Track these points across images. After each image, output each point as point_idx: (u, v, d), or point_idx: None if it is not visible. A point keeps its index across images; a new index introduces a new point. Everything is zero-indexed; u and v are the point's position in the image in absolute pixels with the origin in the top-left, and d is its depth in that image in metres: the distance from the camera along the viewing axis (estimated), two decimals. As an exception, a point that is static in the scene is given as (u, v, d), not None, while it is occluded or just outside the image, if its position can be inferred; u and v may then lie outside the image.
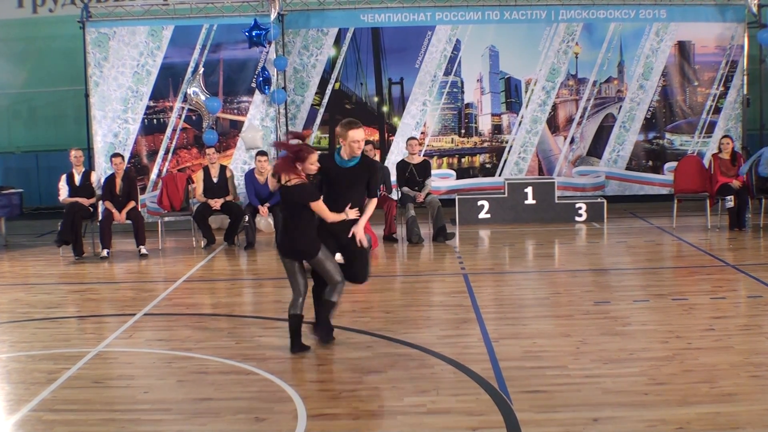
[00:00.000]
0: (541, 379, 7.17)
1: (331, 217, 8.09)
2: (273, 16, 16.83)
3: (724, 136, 16.02)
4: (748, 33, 18.16)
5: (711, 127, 18.37)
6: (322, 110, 18.13)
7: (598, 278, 11.68)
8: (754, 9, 17.76)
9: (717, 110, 18.38)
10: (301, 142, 8.01)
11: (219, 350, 8.26)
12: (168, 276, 12.51)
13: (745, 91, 18.30)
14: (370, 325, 8.79)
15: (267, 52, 16.97)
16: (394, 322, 9.15)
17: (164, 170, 17.06)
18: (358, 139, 8.12)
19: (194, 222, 15.01)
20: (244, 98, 17.22)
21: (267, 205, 14.53)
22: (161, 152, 17.16)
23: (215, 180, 15.05)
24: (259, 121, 17.04)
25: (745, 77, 18.28)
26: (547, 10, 18.06)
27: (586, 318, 9.25)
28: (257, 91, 17.03)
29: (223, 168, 15.29)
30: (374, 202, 8.47)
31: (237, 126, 17.24)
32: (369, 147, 15.25)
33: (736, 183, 14.98)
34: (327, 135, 18.14)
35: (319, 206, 7.98)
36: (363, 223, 8.29)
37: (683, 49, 18.32)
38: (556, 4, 18.06)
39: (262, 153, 14.97)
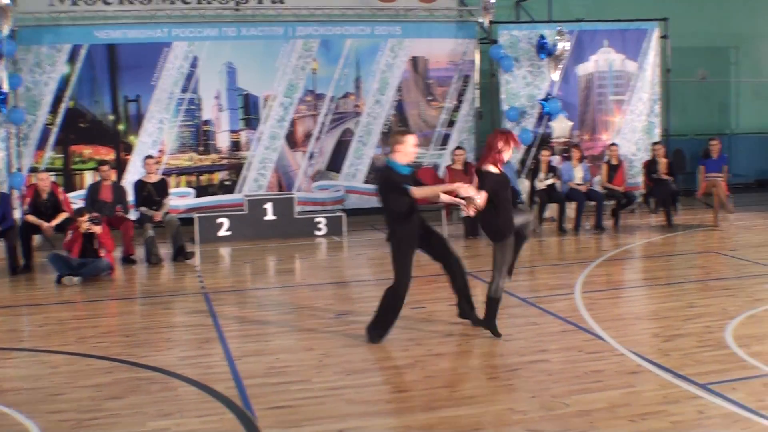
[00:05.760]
0: (285, 394, 7.21)
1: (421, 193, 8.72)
2: (5, 31, 16.06)
3: (457, 148, 16.68)
4: (479, 49, 18.98)
5: (446, 140, 19.03)
6: (56, 130, 17.50)
7: (340, 291, 11.88)
8: (486, 25, 18.59)
9: (451, 123, 19.08)
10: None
11: (-52, 384, 7.86)
12: None
13: (477, 105, 19.12)
14: (109, 350, 8.59)
15: (-1, 70, 16.24)
16: (135, 346, 8.96)
17: None
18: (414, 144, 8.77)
19: None
20: (-31, 118, 16.39)
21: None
22: None
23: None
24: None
25: (477, 91, 19.09)
26: (284, 27, 18.22)
27: (329, 331, 9.38)
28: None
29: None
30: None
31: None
32: (106, 167, 14.92)
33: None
34: (62, 155, 17.56)
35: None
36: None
37: (417, 64, 18.92)
38: (293, 21, 18.24)
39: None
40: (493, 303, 8.84)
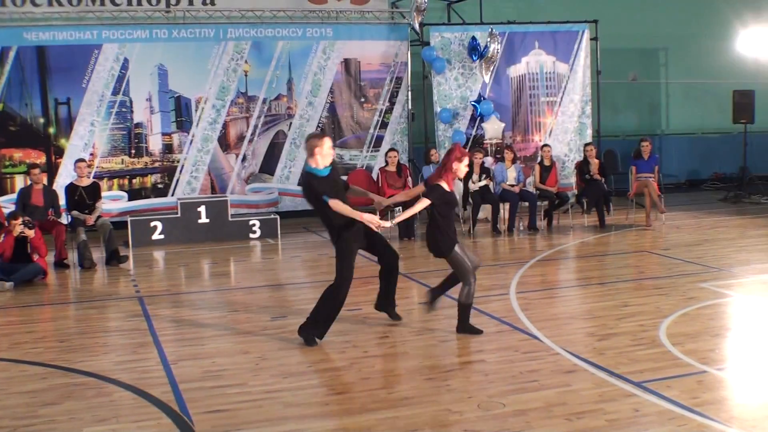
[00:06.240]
0: (222, 398, 7.18)
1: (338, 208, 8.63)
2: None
3: (390, 150, 16.72)
4: (411, 50, 19.06)
5: (379, 141, 19.07)
6: (-15, 133, 17.22)
7: (275, 293, 11.85)
8: (417, 28, 18.65)
9: (384, 125, 19.12)
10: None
11: None
12: None
13: (409, 106, 19.20)
14: (43, 356, 8.48)
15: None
16: (69, 351, 8.86)
17: None
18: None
19: None
20: None
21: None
22: None
23: None
24: None
25: (410, 93, 19.19)
26: (215, 29, 18.08)
27: (265, 334, 9.35)
28: None
29: None
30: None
31: None
32: (36, 171, 14.70)
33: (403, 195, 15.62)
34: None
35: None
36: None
37: (350, 66, 18.92)
38: (224, 23, 18.11)
39: None
40: (464, 308, 8.96)
